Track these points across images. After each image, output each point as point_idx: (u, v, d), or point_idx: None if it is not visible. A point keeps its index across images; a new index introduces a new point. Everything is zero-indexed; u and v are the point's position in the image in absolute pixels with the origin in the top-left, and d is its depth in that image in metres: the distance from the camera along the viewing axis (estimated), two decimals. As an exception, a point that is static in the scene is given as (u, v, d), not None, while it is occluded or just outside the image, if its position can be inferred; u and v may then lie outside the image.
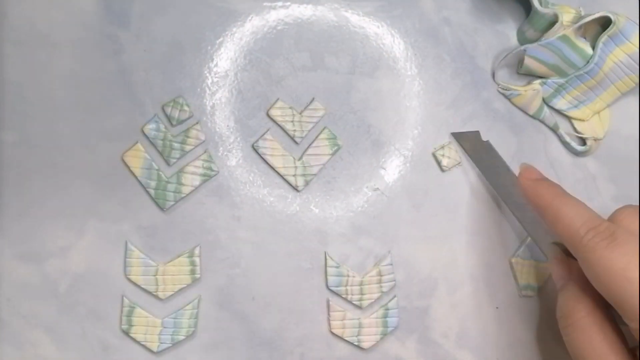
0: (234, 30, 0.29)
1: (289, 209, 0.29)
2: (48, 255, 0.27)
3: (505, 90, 0.31)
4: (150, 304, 0.27)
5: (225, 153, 0.29)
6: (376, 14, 0.31)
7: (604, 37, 0.30)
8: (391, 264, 0.29)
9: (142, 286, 0.27)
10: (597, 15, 0.30)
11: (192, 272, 0.28)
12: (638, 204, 0.22)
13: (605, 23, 0.30)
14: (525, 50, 0.30)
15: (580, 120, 0.32)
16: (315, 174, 0.29)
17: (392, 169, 0.30)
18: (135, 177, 0.27)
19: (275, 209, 0.29)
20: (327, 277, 0.29)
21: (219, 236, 0.28)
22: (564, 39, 0.30)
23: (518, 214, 0.28)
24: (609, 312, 0.24)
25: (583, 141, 0.32)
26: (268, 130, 0.29)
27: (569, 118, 0.32)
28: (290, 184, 0.29)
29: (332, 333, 0.29)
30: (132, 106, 0.28)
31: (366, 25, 0.31)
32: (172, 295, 0.27)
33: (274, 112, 0.29)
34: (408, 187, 0.30)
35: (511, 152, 0.32)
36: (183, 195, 0.28)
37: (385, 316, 0.29)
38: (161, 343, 0.27)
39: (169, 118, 0.28)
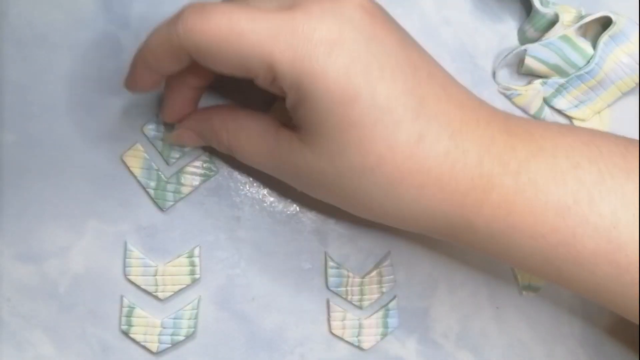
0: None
1: (289, 209, 0.29)
2: (48, 255, 0.27)
3: (506, 90, 0.31)
4: (150, 304, 0.27)
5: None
6: (376, 13, 0.31)
7: (604, 37, 0.30)
8: (391, 264, 0.29)
9: (142, 286, 0.27)
10: (597, 15, 0.30)
11: (192, 272, 0.28)
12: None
13: (605, 23, 0.30)
14: (525, 50, 0.30)
15: (580, 120, 0.32)
16: (315, 174, 0.29)
17: (392, 169, 0.30)
18: (135, 177, 0.27)
19: (275, 209, 0.29)
20: (327, 278, 0.29)
21: (219, 236, 0.28)
22: (565, 38, 0.30)
23: None
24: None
25: (583, 141, 0.32)
26: (268, 130, 0.29)
27: (569, 118, 0.32)
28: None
29: (332, 333, 0.29)
30: (132, 106, 0.28)
31: (366, 25, 0.31)
32: (171, 295, 0.27)
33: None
34: (408, 187, 0.30)
35: (511, 152, 0.31)
36: (183, 195, 0.28)
37: (385, 316, 0.29)
38: (161, 343, 0.27)
39: None
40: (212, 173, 0.28)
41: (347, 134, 0.21)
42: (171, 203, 0.28)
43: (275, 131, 0.23)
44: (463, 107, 0.22)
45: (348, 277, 0.29)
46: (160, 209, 0.28)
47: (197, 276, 0.28)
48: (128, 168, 0.27)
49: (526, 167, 0.22)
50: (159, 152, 0.28)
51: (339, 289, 0.29)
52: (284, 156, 0.23)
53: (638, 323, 0.24)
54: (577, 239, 0.22)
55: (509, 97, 0.31)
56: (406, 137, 0.21)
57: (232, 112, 0.25)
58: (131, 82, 0.24)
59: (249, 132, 0.24)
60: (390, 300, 0.29)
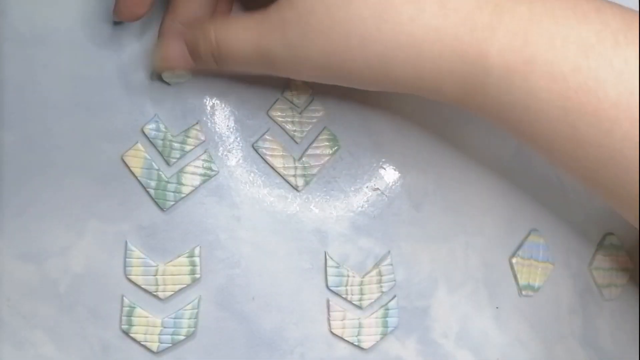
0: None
1: (289, 209, 0.29)
2: (48, 255, 0.27)
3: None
4: (150, 304, 0.27)
5: (225, 153, 0.29)
6: (376, 14, 0.31)
7: (604, 37, 0.30)
8: (391, 264, 0.29)
9: (142, 286, 0.27)
10: (597, 15, 0.30)
11: (192, 272, 0.28)
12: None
13: (605, 23, 0.30)
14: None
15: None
16: (315, 174, 0.29)
17: (392, 169, 0.30)
18: (135, 177, 0.27)
19: (275, 209, 0.29)
20: (327, 277, 0.29)
21: (219, 236, 0.28)
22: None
23: None
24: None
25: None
26: (268, 130, 0.29)
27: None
28: (290, 184, 0.29)
29: (332, 333, 0.29)
30: (132, 106, 0.28)
31: (366, 25, 0.31)
32: (172, 295, 0.27)
33: (274, 112, 0.29)
34: (408, 187, 0.30)
35: (511, 152, 0.32)
36: (183, 195, 0.28)
37: (385, 316, 0.29)
38: (161, 343, 0.27)
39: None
40: (213, 173, 0.28)
41: None
42: (172, 203, 0.28)
43: (263, 8, 0.22)
44: None
45: (348, 276, 0.29)
46: (161, 208, 0.28)
47: (197, 276, 0.28)
48: (128, 168, 0.27)
49: None
50: (160, 152, 0.28)
51: (339, 288, 0.29)
52: (272, 17, 0.21)
53: None
54: (599, 84, 0.19)
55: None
56: None
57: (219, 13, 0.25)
58: (118, 7, 0.24)
59: (236, 16, 0.24)
60: (390, 300, 0.29)
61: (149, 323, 0.27)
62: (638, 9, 0.32)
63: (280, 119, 0.29)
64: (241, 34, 0.22)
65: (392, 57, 0.20)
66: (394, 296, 0.29)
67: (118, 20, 0.27)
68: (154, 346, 0.27)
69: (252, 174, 0.29)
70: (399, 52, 0.20)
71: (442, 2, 0.19)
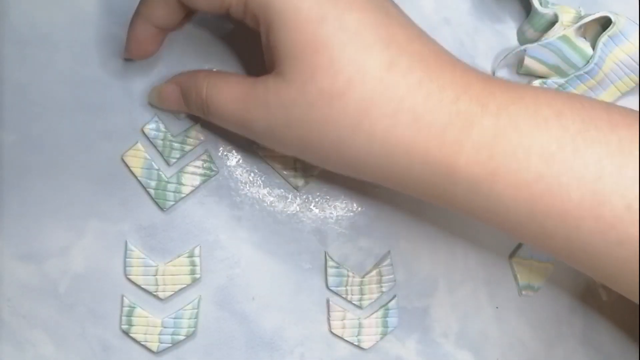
0: (233, 29, 0.29)
1: (289, 209, 0.29)
2: (48, 255, 0.27)
3: (505, 90, 0.31)
4: (150, 304, 0.27)
5: (225, 153, 0.29)
6: (376, 14, 0.31)
7: (604, 37, 0.30)
8: (391, 264, 0.29)
9: (142, 286, 0.27)
10: (597, 15, 0.30)
11: (192, 272, 0.28)
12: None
13: (605, 23, 0.30)
14: (525, 50, 0.30)
15: (580, 120, 0.32)
16: (315, 174, 0.29)
17: (392, 169, 0.30)
18: (135, 177, 0.27)
19: (275, 209, 0.29)
20: (327, 277, 0.29)
21: (219, 236, 0.28)
22: (564, 39, 0.30)
23: None
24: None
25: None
26: (268, 130, 0.29)
27: (569, 118, 0.32)
28: (290, 184, 0.29)
29: (332, 333, 0.29)
30: (132, 106, 0.28)
31: (366, 25, 0.31)
32: (172, 295, 0.27)
33: None
34: (408, 187, 0.30)
35: (511, 152, 0.32)
36: (183, 195, 0.28)
37: (385, 316, 0.29)
38: (161, 343, 0.27)
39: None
40: (213, 173, 0.28)
41: (317, 54, 0.20)
42: (172, 203, 0.28)
43: (254, 78, 0.23)
44: (437, 54, 0.21)
45: (348, 276, 0.29)
46: (161, 208, 0.28)
47: (197, 276, 0.28)
48: (128, 168, 0.27)
49: (506, 110, 0.21)
50: (160, 152, 0.28)
51: (338, 288, 0.29)
52: (258, 96, 0.22)
53: (618, 291, 0.24)
54: (562, 188, 0.20)
55: (508, 97, 0.31)
56: (376, 63, 0.20)
57: (218, 70, 0.26)
58: (129, 45, 0.25)
59: (228, 80, 0.24)
60: (390, 300, 0.29)
61: (149, 323, 0.27)
62: (638, 10, 0.32)
63: None
64: (229, 101, 0.23)
65: (364, 162, 0.22)
66: (394, 296, 0.29)
67: (128, 58, 0.27)
68: (154, 346, 0.27)
69: (252, 174, 0.29)
70: (371, 158, 0.22)
71: (416, 117, 0.20)
